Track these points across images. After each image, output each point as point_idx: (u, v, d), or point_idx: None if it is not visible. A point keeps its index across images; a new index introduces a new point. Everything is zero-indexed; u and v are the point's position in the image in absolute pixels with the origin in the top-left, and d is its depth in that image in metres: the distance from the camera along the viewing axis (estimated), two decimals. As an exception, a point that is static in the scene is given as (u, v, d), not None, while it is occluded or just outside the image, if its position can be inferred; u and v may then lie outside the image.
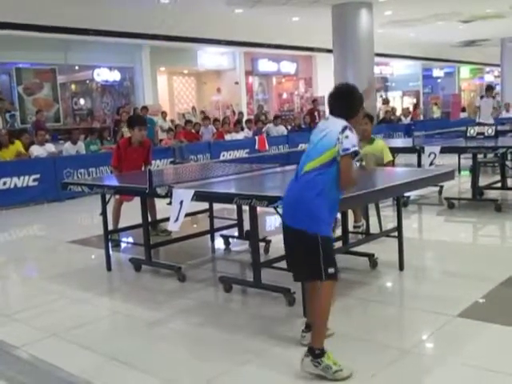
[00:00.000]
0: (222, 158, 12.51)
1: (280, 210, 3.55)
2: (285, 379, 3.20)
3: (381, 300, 4.39)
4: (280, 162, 6.36)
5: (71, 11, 13.29)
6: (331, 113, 3.36)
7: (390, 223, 6.26)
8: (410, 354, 3.43)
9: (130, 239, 6.77)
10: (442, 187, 8.44)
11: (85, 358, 3.62)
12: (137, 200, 5.65)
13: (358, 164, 5.60)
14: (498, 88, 22.66)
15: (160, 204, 6.15)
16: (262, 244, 5.37)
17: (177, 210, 4.49)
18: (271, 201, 3.92)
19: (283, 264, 4.60)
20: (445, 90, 28.71)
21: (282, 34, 18.03)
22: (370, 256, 5.09)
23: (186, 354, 3.62)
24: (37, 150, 10.71)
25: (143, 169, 6.65)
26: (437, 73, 29.91)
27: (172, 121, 16.58)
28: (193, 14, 14.97)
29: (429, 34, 20.54)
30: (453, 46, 24.66)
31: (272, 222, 7.26)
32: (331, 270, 3.16)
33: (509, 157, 8.40)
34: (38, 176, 10.00)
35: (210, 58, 19.12)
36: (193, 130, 14.16)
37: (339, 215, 5.68)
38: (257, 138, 13.79)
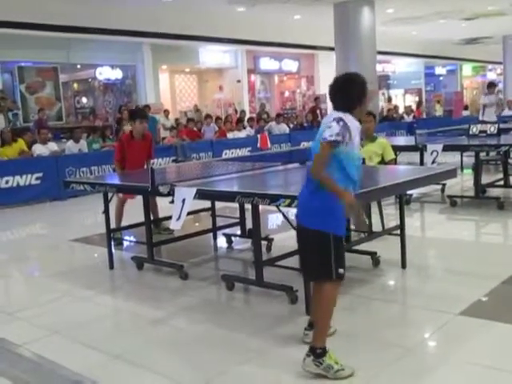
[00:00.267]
0: (224, 156, 12.50)
1: (283, 209, 3.55)
2: (287, 378, 3.20)
3: (383, 298, 4.39)
4: (282, 160, 6.35)
5: (73, 10, 13.31)
6: (333, 107, 3.28)
7: (392, 221, 6.25)
8: (413, 352, 3.43)
9: (132, 237, 6.78)
10: (444, 185, 8.44)
11: (87, 356, 3.63)
12: (139, 198, 5.66)
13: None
14: (500, 85, 22.58)
15: (162, 202, 6.16)
16: (264, 242, 5.37)
17: (179, 208, 4.49)
18: (273, 199, 3.92)
19: (286, 262, 4.63)
20: (447, 88, 28.64)
21: (283, 32, 18.02)
22: (373, 254, 5.09)
23: (188, 352, 3.62)
24: (39, 149, 10.72)
25: (146, 164, 6.67)
26: (439, 70, 29.84)
27: (177, 119, 16.58)
28: (195, 12, 14.97)
29: (431, 31, 20.51)
30: (455, 43, 24.62)
31: (274, 220, 7.25)
32: (341, 271, 3.17)
33: (511, 155, 8.38)
34: (40, 175, 10.01)
35: (212, 56, 19.10)
36: (195, 129, 14.17)
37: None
38: (259, 136, 13.78)
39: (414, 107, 21.89)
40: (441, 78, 30.28)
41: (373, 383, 3.11)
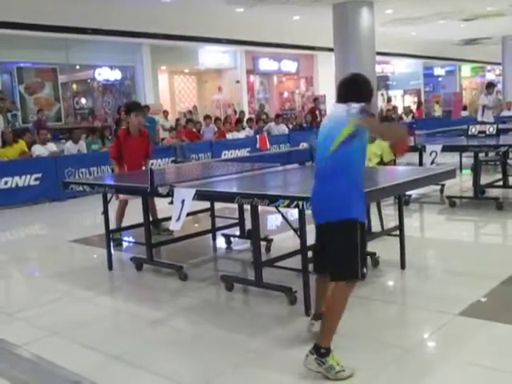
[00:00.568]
0: (223, 156, 12.50)
1: (282, 209, 3.54)
2: (286, 379, 3.20)
3: (382, 299, 4.39)
4: (281, 160, 6.35)
5: (72, 10, 13.32)
6: (341, 100, 3.24)
7: (391, 222, 6.26)
8: (412, 352, 3.43)
9: (132, 238, 6.78)
10: (443, 186, 8.44)
11: (86, 356, 3.63)
12: (138, 199, 5.66)
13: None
14: (499, 86, 22.61)
15: (162, 203, 6.16)
16: (263, 243, 5.37)
17: (178, 209, 4.48)
18: (272, 200, 3.92)
19: (285, 263, 4.63)
20: (446, 89, 28.67)
21: (282, 32, 18.03)
22: (372, 255, 5.08)
23: (187, 353, 3.62)
24: (38, 150, 10.72)
25: (144, 164, 6.66)
26: (438, 71, 29.85)
27: (177, 119, 16.58)
28: (194, 13, 14.98)
29: (430, 32, 20.53)
30: (454, 44, 24.64)
31: (273, 220, 7.26)
32: (364, 270, 3.20)
33: (510, 155, 8.38)
34: (39, 175, 10.00)
35: (211, 56, 19.10)
36: (194, 129, 14.17)
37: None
38: (258, 136, 13.79)
39: (413, 108, 21.89)
40: (440, 79, 30.31)
41: (373, 382, 3.11)
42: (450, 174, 5.13)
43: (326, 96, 19.74)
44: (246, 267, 5.43)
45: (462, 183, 9.24)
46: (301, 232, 4.05)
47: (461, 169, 10.10)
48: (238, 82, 19.88)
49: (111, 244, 5.86)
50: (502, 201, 7.44)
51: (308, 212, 3.84)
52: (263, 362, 3.42)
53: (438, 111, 24.06)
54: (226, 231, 6.33)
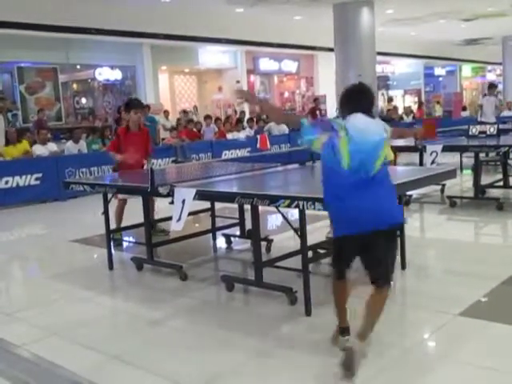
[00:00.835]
0: (223, 156, 12.50)
1: (282, 209, 3.52)
2: (286, 379, 3.20)
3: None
4: (282, 160, 6.35)
5: (73, 10, 13.33)
6: (358, 110, 3.26)
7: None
8: (412, 352, 3.43)
9: (132, 238, 6.77)
10: (444, 186, 8.43)
11: (87, 356, 3.63)
12: (137, 199, 5.66)
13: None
14: (500, 86, 22.62)
15: (162, 203, 6.16)
16: (263, 243, 5.37)
17: (179, 209, 4.48)
18: (273, 200, 3.92)
19: (285, 263, 4.63)
20: (446, 89, 28.67)
21: (283, 32, 18.03)
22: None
23: (187, 353, 3.62)
24: (39, 149, 10.72)
25: (145, 160, 6.64)
26: (438, 71, 29.86)
27: (179, 119, 16.57)
28: (194, 13, 14.99)
29: (430, 32, 20.53)
30: (454, 44, 24.64)
31: (274, 221, 7.25)
32: None
33: (511, 155, 8.37)
34: (40, 175, 10.00)
35: (212, 56, 19.11)
36: (194, 129, 14.16)
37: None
38: (258, 136, 13.78)
39: (413, 108, 21.89)
40: (440, 79, 30.31)
41: (373, 383, 3.10)
42: (451, 174, 5.13)
43: (327, 96, 19.74)
44: (247, 267, 5.43)
45: (463, 183, 9.24)
46: (301, 232, 4.04)
47: (461, 169, 10.10)
48: (238, 81, 19.88)
49: (112, 244, 5.86)
50: (502, 201, 7.44)
51: (308, 212, 3.85)
52: (263, 362, 3.42)
53: (438, 111, 24.06)
54: (226, 231, 6.32)
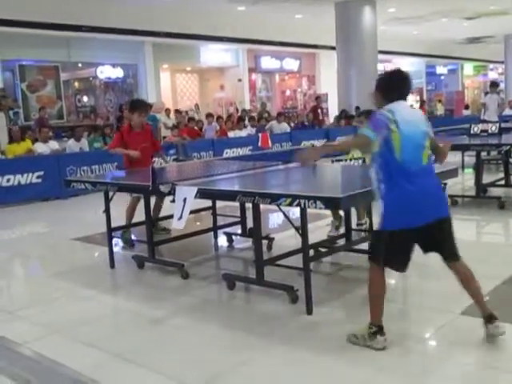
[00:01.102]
0: (225, 155, 12.50)
1: (283, 208, 3.52)
2: (287, 377, 3.20)
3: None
4: (283, 159, 6.34)
5: (74, 8, 13.33)
6: (401, 97, 3.36)
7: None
8: (413, 351, 3.43)
9: (133, 236, 6.77)
10: (445, 184, 8.37)
11: (88, 354, 3.63)
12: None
13: (360, 162, 5.61)
14: (502, 85, 22.60)
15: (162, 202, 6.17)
16: (265, 241, 5.37)
17: (180, 207, 4.48)
18: (274, 198, 3.91)
19: (286, 261, 4.63)
20: (448, 87, 28.64)
21: (285, 31, 18.02)
22: (373, 253, 5.07)
23: (189, 351, 3.62)
24: (40, 147, 10.73)
25: (155, 159, 6.57)
26: (440, 70, 29.84)
27: (186, 112, 16.58)
28: (195, 11, 14.98)
29: (432, 30, 20.52)
30: (456, 42, 24.61)
31: (275, 219, 7.25)
32: None
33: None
34: (41, 173, 10.00)
35: (213, 55, 19.11)
36: (196, 127, 14.16)
37: (342, 213, 5.69)
38: (260, 135, 13.78)
39: (415, 106, 21.85)
40: (442, 78, 30.28)
41: (373, 382, 3.11)
42: (452, 172, 5.13)
43: (328, 94, 19.74)
44: (248, 266, 5.43)
45: (464, 182, 9.22)
46: (302, 230, 4.04)
47: (463, 168, 10.08)
48: (240, 80, 19.88)
49: (121, 244, 5.84)
50: (504, 200, 7.43)
51: (309, 210, 3.85)
52: (265, 361, 3.42)
53: (440, 110, 24.04)
54: (227, 229, 6.32)
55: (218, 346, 3.66)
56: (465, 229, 6.75)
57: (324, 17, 15.19)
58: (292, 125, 16.20)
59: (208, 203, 6.15)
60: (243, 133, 14.27)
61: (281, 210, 4.31)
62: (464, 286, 3.49)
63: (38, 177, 9.99)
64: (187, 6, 14.54)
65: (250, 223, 5.25)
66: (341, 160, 5.89)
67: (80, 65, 16.69)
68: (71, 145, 11.27)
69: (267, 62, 21.05)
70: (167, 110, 15.95)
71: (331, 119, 18.06)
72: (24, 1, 12.55)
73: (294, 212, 4.85)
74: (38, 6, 12.78)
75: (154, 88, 17.09)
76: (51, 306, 4.65)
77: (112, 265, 5.57)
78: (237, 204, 5.74)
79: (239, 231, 6.17)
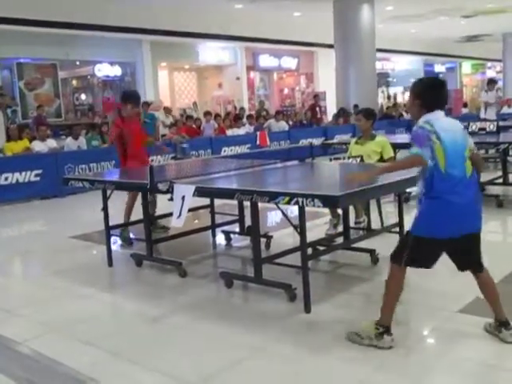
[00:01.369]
0: (223, 153, 12.50)
1: (282, 206, 3.51)
2: (285, 375, 3.20)
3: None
4: (281, 157, 6.35)
5: (72, 6, 13.30)
6: (439, 107, 3.34)
7: (391, 219, 6.24)
8: (412, 349, 3.43)
9: (132, 235, 6.77)
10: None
11: (86, 353, 3.63)
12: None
13: (358, 160, 5.60)
14: (500, 83, 22.61)
15: (161, 201, 6.15)
16: (263, 240, 5.37)
17: (179, 205, 4.48)
18: (272, 196, 3.92)
19: (284, 260, 4.63)
20: (446, 86, 28.62)
21: (283, 29, 18.01)
22: (372, 252, 5.09)
23: (187, 350, 3.62)
24: (38, 146, 10.71)
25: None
26: (438, 68, 29.85)
27: (181, 115, 16.56)
28: (193, 9, 14.97)
29: (430, 29, 20.52)
30: (454, 41, 24.62)
31: (273, 217, 7.25)
32: None
33: (510, 152, 8.37)
34: (39, 171, 9.99)
35: (211, 53, 19.09)
36: (194, 126, 14.15)
37: (340, 211, 5.69)
38: (258, 133, 13.78)
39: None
40: (440, 76, 30.27)
41: (372, 380, 3.11)
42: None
43: (326, 93, 19.73)
44: (246, 264, 5.43)
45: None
46: (301, 229, 4.04)
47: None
48: (238, 78, 19.87)
49: (119, 242, 5.82)
50: (502, 198, 7.44)
51: (308, 209, 3.85)
52: (263, 359, 3.42)
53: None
54: (225, 228, 6.32)
55: (215, 344, 3.66)
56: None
57: (322, 15, 15.17)
58: (290, 123, 16.20)
59: (206, 201, 6.15)
60: (241, 131, 14.27)
61: (279, 208, 4.30)
62: (483, 293, 3.56)
63: (36, 175, 9.97)
64: (185, 5, 14.52)
65: (248, 221, 5.25)
66: (339, 158, 5.89)
67: (78, 63, 16.65)
68: (69, 143, 11.26)
69: (265, 60, 21.03)
70: (165, 108, 15.92)
71: (329, 117, 18.06)
72: (22, -1, 12.53)
73: (292, 210, 4.85)
74: (35, 4, 12.76)
75: (152, 86, 17.07)
76: (49, 305, 4.64)
77: (110, 263, 5.57)
78: (235, 202, 5.74)
79: (237, 229, 6.17)
